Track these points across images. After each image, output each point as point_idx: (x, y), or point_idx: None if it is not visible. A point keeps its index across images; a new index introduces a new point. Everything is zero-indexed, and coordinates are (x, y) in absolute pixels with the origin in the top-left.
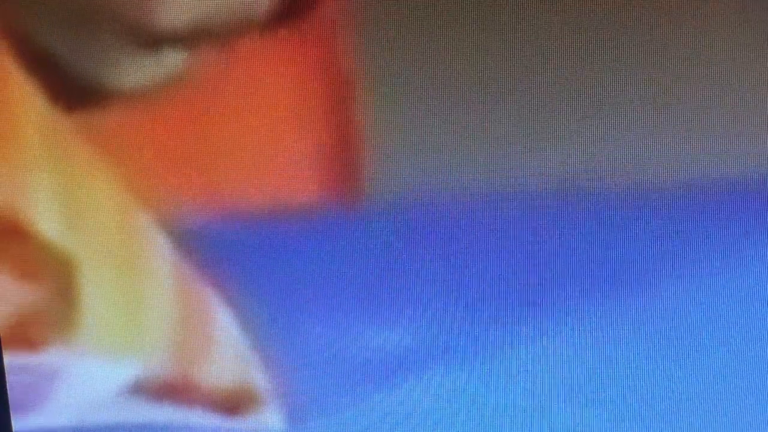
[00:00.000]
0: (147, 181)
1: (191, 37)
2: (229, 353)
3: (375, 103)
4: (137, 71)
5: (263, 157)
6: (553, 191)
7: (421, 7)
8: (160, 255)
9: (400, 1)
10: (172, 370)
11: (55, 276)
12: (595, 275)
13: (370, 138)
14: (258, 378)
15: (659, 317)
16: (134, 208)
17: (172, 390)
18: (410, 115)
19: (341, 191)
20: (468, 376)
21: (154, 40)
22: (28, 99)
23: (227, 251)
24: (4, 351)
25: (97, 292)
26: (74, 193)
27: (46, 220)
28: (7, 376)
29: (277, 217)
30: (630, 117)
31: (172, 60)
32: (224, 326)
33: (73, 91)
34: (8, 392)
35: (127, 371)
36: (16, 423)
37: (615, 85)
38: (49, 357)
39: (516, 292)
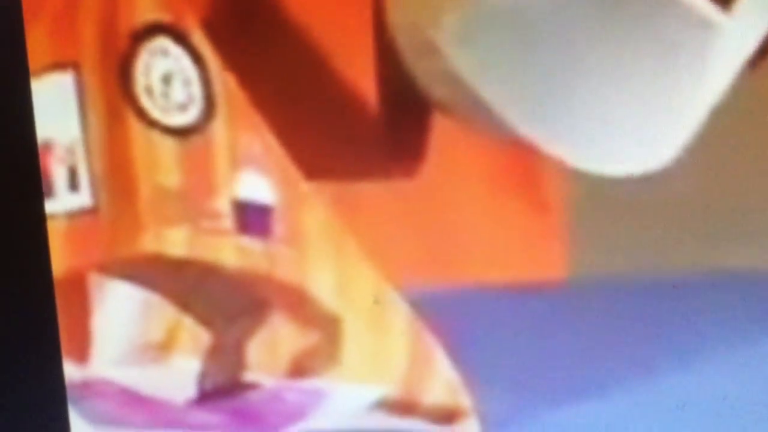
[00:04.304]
0: (394, 261)
1: None
2: (443, 382)
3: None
4: None
5: (489, 236)
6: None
7: None
8: (400, 314)
9: None
10: (404, 393)
11: (326, 327)
12: None
13: (574, 218)
14: (463, 399)
15: None
16: (383, 280)
17: (403, 406)
18: (613, 201)
19: (548, 269)
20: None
21: None
22: (312, 207)
23: (449, 313)
24: (287, 378)
25: (354, 338)
26: (342, 271)
27: (322, 290)
28: (284, 394)
29: (492, 289)
30: None
31: None
32: (441, 363)
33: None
34: (287, 405)
35: (373, 393)
36: (296, 427)
37: None
38: (319, 382)
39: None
